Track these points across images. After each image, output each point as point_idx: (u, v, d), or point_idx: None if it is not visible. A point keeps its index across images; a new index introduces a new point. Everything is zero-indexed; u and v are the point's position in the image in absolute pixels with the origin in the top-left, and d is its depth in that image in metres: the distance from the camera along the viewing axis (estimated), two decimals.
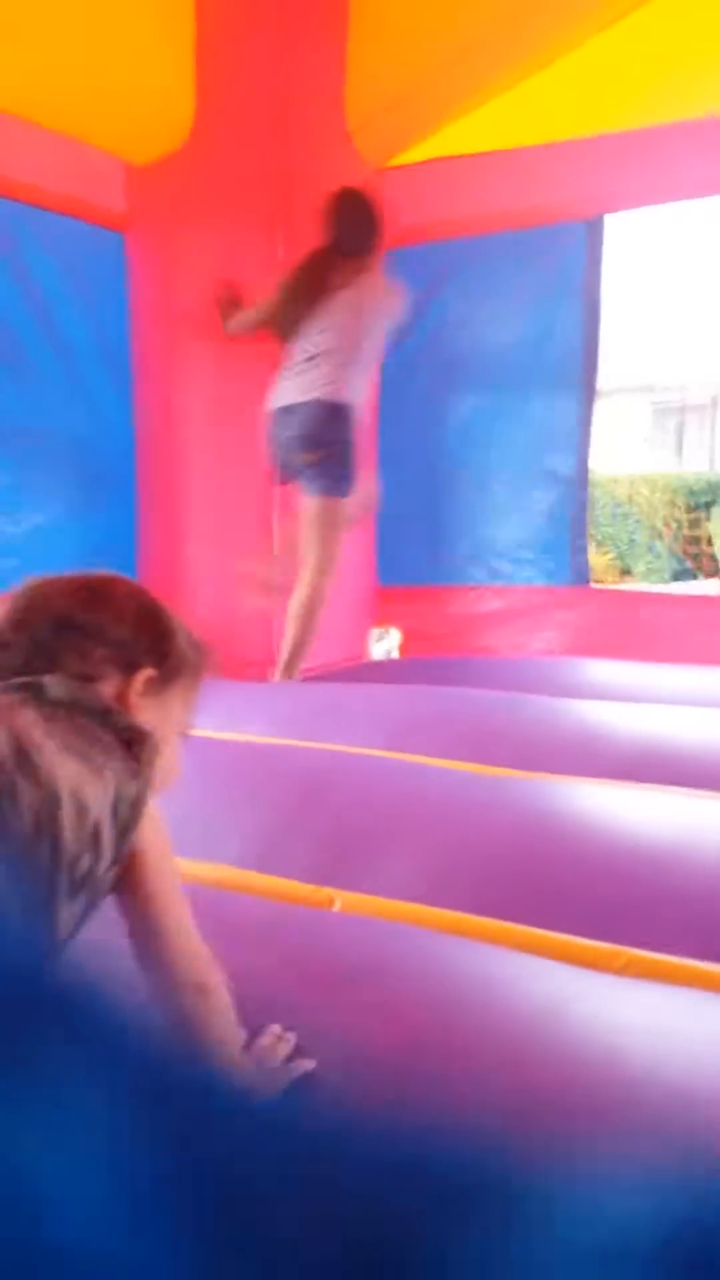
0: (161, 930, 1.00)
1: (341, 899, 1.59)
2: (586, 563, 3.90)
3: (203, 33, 3.38)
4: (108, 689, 1.02)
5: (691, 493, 10.06)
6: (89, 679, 1.01)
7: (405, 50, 3.43)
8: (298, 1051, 1.10)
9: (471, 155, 3.78)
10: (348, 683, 3.25)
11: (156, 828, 1.01)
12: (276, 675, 3.24)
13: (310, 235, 3.37)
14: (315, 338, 3.14)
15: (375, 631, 4.21)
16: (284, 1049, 1.10)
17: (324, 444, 3.11)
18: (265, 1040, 1.10)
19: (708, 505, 9.94)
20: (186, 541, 3.58)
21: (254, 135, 3.43)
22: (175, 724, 1.09)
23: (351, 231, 3.18)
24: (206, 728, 1.62)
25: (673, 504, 9.80)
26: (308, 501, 3.18)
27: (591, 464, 4.01)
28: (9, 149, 3.24)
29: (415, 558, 4.13)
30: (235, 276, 3.42)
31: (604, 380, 4.00)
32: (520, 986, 1.25)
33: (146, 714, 1.03)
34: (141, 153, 3.51)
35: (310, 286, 3.18)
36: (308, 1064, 1.08)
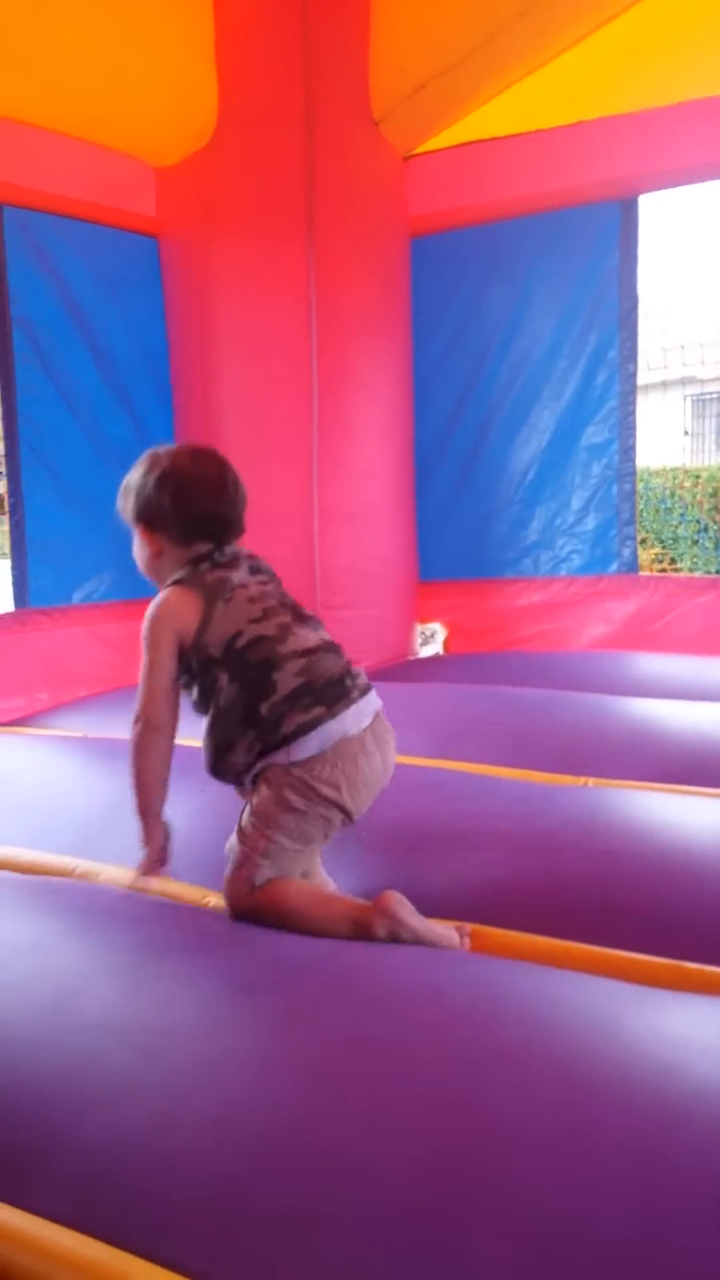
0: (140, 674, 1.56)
1: None
2: (635, 551, 3.76)
3: (222, 28, 3.33)
4: None
5: None
6: None
7: (429, 35, 3.36)
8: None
9: (499, 138, 3.69)
10: (392, 682, 3.18)
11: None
12: None
13: (337, 225, 3.31)
14: None
15: (420, 628, 4.12)
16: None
17: None
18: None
19: None
20: None
21: (279, 128, 3.38)
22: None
23: None
24: None
25: (717, 495, 9.58)
26: None
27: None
28: (35, 161, 3.21)
29: (457, 552, 4.03)
30: (266, 273, 3.37)
31: (641, 375, 3.85)
32: (579, 1005, 1.20)
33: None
34: (166, 155, 3.47)
35: None
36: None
